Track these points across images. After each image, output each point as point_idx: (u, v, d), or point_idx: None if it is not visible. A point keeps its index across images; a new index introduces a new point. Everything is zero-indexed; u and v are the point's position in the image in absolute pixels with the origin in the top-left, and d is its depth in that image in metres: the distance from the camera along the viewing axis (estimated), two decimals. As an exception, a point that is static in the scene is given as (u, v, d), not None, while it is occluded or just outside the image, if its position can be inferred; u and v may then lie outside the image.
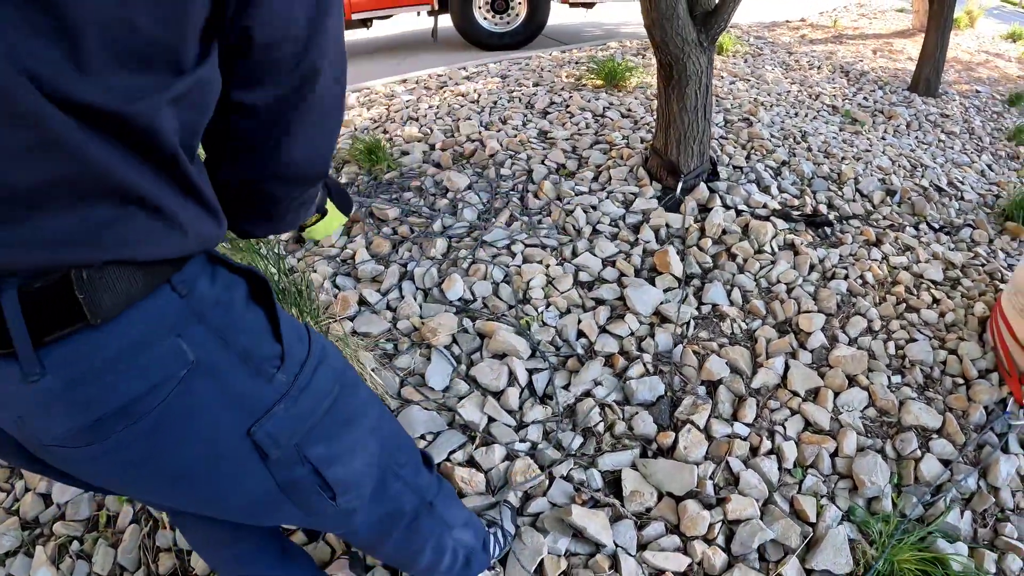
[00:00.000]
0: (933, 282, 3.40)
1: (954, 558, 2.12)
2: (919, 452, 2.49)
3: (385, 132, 4.31)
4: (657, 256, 3.12)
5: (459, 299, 2.84)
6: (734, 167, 3.95)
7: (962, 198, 4.41)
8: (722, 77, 5.84)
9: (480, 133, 4.16)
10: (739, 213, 3.50)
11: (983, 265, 3.64)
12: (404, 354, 2.58)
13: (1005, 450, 2.57)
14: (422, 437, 2.29)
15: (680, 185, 3.55)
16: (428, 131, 4.26)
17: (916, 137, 5.36)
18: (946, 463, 2.48)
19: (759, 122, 4.67)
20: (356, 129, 4.39)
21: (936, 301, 3.28)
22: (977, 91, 7.17)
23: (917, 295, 3.28)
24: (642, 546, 2.08)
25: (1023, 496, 2.46)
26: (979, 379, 2.84)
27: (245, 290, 0.87)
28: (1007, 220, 4.25)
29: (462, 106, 4.66)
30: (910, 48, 8.17)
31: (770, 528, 2.12)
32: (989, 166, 5.22)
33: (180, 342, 0.76)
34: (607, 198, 3.52)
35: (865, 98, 6.06)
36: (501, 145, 3.99)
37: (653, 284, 3.00)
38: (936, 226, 3.98)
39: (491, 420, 2.37)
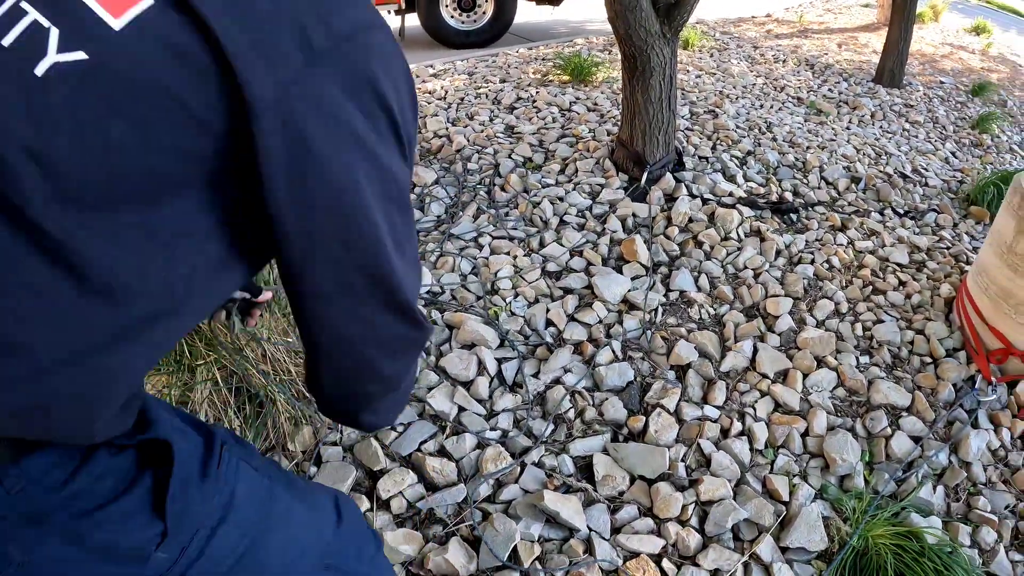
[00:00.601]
0: (899, 265, 3.45)
1: (928, 531, 2.15)
2: (889, 430, 2.52)
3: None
4: (624, 245, 3.13)
5: (427, 292, 2.83)
6: (700, 157, 3.98)
7: (926, 184, 4.48)
8: (688, 71, 5.89)
9: (447, 129, 4.16)
10: (705, 202, 3.53)
11: (948, 248, 3.70)
12: (373, 348, 2.57)
13: (975, 425, 2.61)
14: (393, 428, 2.28)
15: (646, 175, 3.57)
16: (395, 128, 4.25)
17: (881, 127, 5.44)
18: (916, 440, 2.52)
19: (724, 114, 4.72)
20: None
21: (902, 283, 3.32)
22: (941, 82, 7.29)
23: (883, 278, 3.32)
24: (616, 529, 2.09)
25: (995, 470, 2.50)
26: (947, 357, 2.88)
27: (129, 466, 0.78)
28: (971, 204, 4.32)
29: (429, 103, 4.66)
30: (875, 42, 8.28)
31: (743, 508, 2.14)
32: (953, 153, 5.31)
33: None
34: (574, 190, 3.54)
35: (830, 89, 6.14)
36: (468, 140, 3.99)
37: (620, 272, 3.01)
38: (901, 211, 4.03)
39: (461, 410, 2.36)
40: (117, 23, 0.60)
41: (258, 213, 0.69)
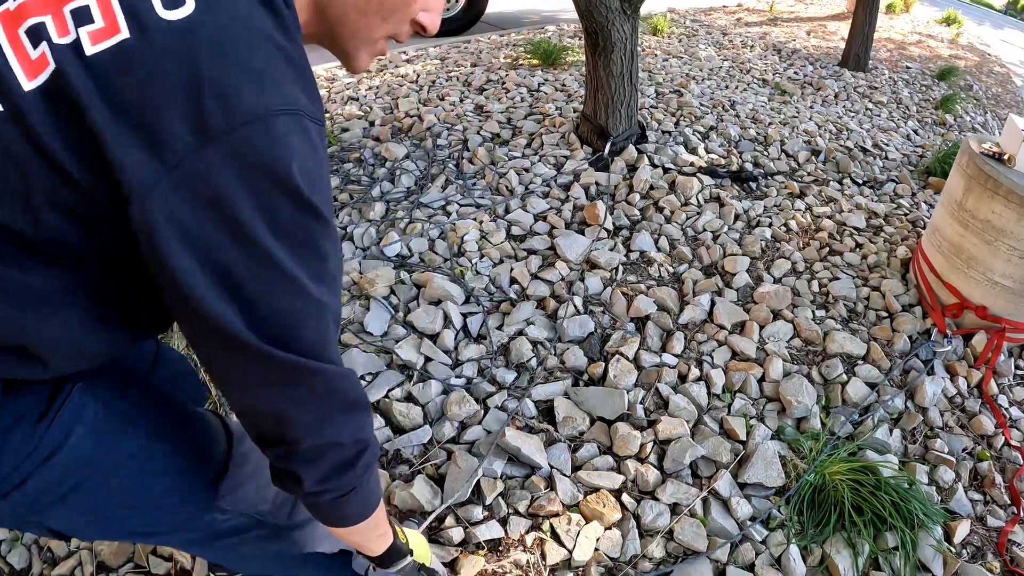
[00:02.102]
0: (856, 229, 3.56)
1: (884, 466, 2.24)
2: (845, 376, 2.63)
3: (326, 112, 4.37)
4: (587, 210, 3.23)
5: (396, 255, 2.92)
6: (663, 132, 4.10)
7: (886, 157, 4.61)
8: (656, 55, 6.01)
9: (418, 109, 4.25)
10: (666, 171, 3.64)
11: (906, 214, 3.82)
12: (344, 305, 2.65)
13: (931, 373, 2.70)
14: (362, 378, 2.36)
15: (609, 147, 3.67)
16: (368, 109, 4.33)
17: (844, 106, 5.57)
18: (872, 386, 2.62)
19: (689, 93, 4.83)
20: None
21: (859, 246, 3.43)
22: (907, 67, 7.44)
23: (840, 240, 3.43)
24: (577, 467, 2.18)
25: (951, 416, 2.61)
26: (903, 312, 2.99)
27: None
28: (930, 176, 4.44)
29: (401, 86, 4.75)
30: (843, 30, 8.43)
31: (701, 446, 2.23)
32: (915, 131, 5.45)
33: None
34: (539, 161, 3.64)
35: (796, 72, 6.27)
36: (438, 119, 4.09)
37: (583, 235, 3.10)
38: (860, 181, 4.15)
39: (428, 360, 2.45)
40: (29, 85, 0.68)
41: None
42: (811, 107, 5.30)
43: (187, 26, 0.69)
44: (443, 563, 1.89)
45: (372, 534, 1.20)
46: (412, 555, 1.39)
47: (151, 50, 0.67)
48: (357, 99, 4.57)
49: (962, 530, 2.20)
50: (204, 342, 0.80)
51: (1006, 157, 2.90)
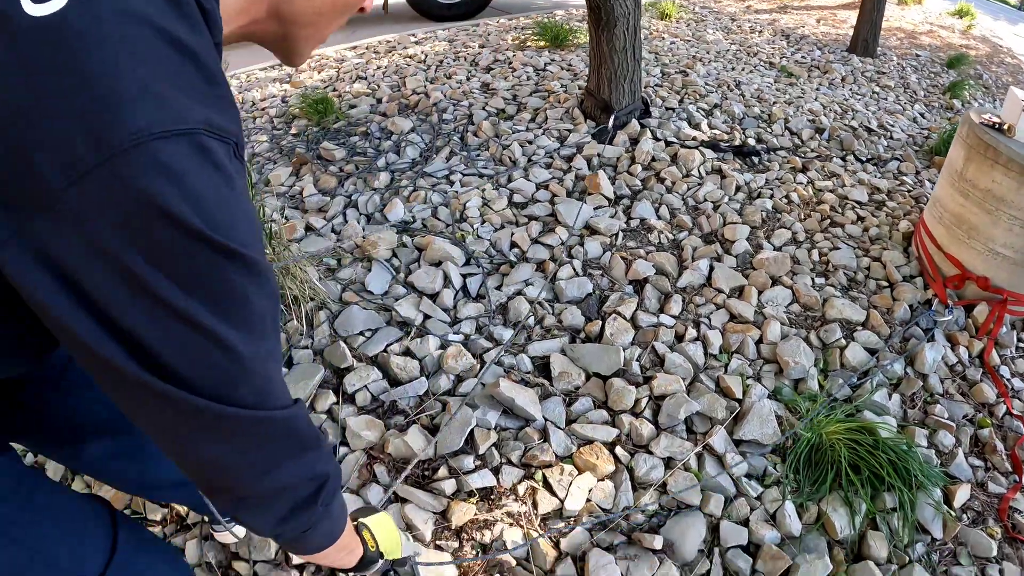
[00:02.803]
0: (858, 203, 3.56)
1: (882, 426, 2.25)
2: (843, 341, 2.63)
3: (335, 91, 4.41)
4: (589, 179, 3.25)
5: (399, 221, 2.95)
6: (666, 108, 4.11)
7: (891, 137, 4.60)
8: (663, 38, 6.01)
9: (425, 87, 4.28)
10: (668, 144, 3.65)
11: (910, 191, 3.81)
12: (347, 267, 2.68)
13: (931, 340, 2.71)
14: (361, 334, 2.39)
15: (612, 121, 3.69)
16: (376, 87, 4.37)
17: (850, 89, 5.56)
18: (872, 352, 2.62)
19: (695, 73, 4.84)
20: (307, 88, 4.48)
21: (860, 219, 3.44)
22: (917, 55, 7.40)
23: (842, 213, 3.44)
24: (571, 420, 2.20)
25: (952, 383, 2.61)
26: (903, 282, 2.99)
27: None
28: (935, 155, 4.43)
29: (408, 65, 4.79)
30: (854, 18, 8.37)
31: (696, 402, 2.25)
32: (921, 114, 5.43)
33: None
34: (542, 134, 3.67)
35: (803, 56, 6.26)
36: (444, 95, 4.12)
37: (584, 202, 3.12)
38: (863, 158, 4.15)
39: (427, 317, 2.48)
40: None
41: None
42: (817, 89, 5.29)
43: (54, 22, 0.56)
44: (434, 512, 1.92)
45: (339, 554, 1.16)
46: (382, 558, 1.37)
47: (17, 59, 0.55)
48: (365, 78, 4.61)
49: (962, 494, 2.20)
50: (123, 395, 0.69)
51: (1006, 127, 2.90)
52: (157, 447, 0.77)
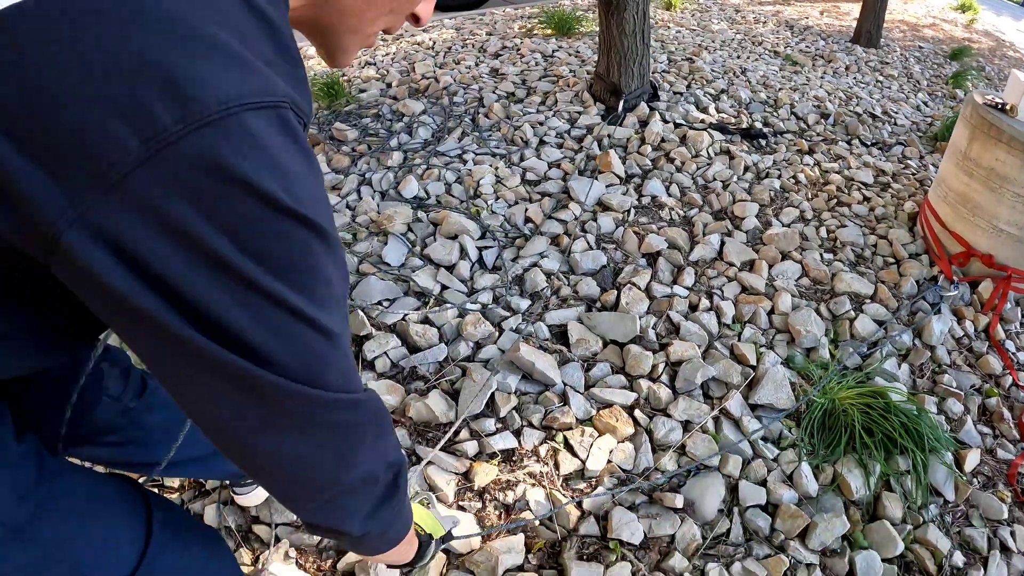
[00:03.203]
0: (864, 184, 3.61)
1: (893, 390, 2.29)
2: (853, 313, 2.68)
3: (344, 76, 4.44)
4: (600, 158, 3.29)
5: (414, 197, 2.98)
6: (674, 92, 4.16)
7: (895, 123, 4.64)
8: (668, 27, 6.06)
9: (434, 72, 4.31)
10: (677, 126, 3.69)
11: (914, 174, 3.86)
12: (363, 241, 2.71)
13: (938, 313, 2.75)
14: (379, 303, 2.42)
15: (622, 103, 3.73)
16: (385, 72, 4.40)
17: (854, 78, 5.60)
18: (880, 323, 2.66)
19: (701, 60, 4.88)
20: (315, 74, 4.51)
21: (866, 199, 3.48)
22: (920, 47, 7.45)
23: (848, 193, 3.48)
24: (590, 385, 2.24)
25: (959, 355, 2.65)
26: (910, 259, 3.03)
27: None
28: (938, 141, 4.47)
29: (417, 52, 4.82)
30: (856, 11, 8.42)
31: (712, 367, 2.28)
32: (925, 103, 5.47)
33: None
34: (553, 116, 3.70)
35: (807, 46, 6.32)
36: (454, 80, 4.15)
37: (595, 180, 3.16)
38: (868, 143, 4.19)
39: (444, 287, 2.51)
40: None
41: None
42: (822, 77, 5.33)
43: None
44: (456, 473, 1.95)
45: (406, 546, 1.09)
46: (431, 540, 1.33)
47: (61, 16, 0.49)
48: (374, 64, 4.64)
49: (972, 459, 2.24)
50: (201, 386, 0.63)
51: (1008, 107, 2.94)
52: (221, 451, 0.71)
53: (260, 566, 1.75)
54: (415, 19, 0.83)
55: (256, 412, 0.65)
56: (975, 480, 2.23)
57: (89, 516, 0.88)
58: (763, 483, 2.03)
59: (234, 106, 0.51)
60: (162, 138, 0.49)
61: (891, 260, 3.04)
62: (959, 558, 1.98)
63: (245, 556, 1.77)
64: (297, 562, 1.76)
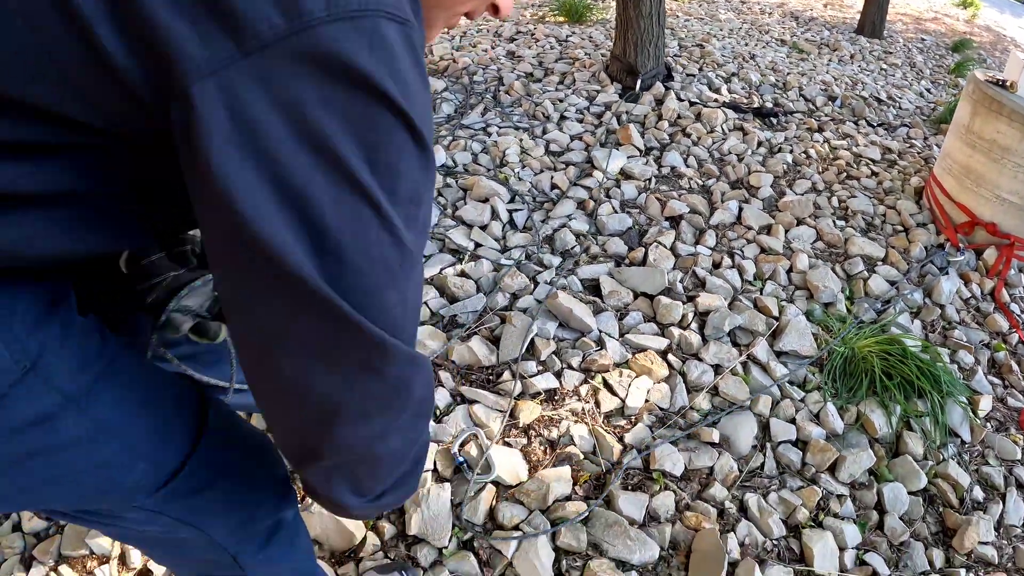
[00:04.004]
0: (872, 160, 3.72)
1: (908, 337, 2.40)
2: (866, 273, 2.78)
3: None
4: (620, 131, 3.40)
5: (442, 165, 3.08)
6: (687, 75, 4.28)
7: (900, 107, 4.77)
8: (677, 16, 6.20)
9: (452, 54, 4.42)
10: (692, 104, 3.81)
11: (919, 153, 3.97)
12: (395, 206, 2.80)
13: (946, 274, 2.86)
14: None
15: (639, 83, 3.84)
16: (402, 56, 4.50)
17: (859, 66, 5.73)
18: (892, 283, 2.77)
19: (711, 46, 5.00)
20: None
21: (875, 174, 3.60)
22: (923, 39, 7.62)
23: (857, 168, 3.60)
24: (623, 332, 2.34)
25: (967, 314, 2.75)
26: (917, 228, 3.14)
27: None
28: (941, 124, 4.59)
29: (433, 36, 4.93)
30: (860, 3, 8.58)
31: (739, 316, 2.39)
32: (928, 89, 5.60)
33: None
34: (572, 94, 3.81)
35: (813, 35, 6.47)
36: (472, 61, 4.26)
37: (616, 150, 3.27)
38: (875, 123, 4.31)
39: (478, 245, 2.61)
40: None
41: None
42: (828, 64, 5.46)
43: None
44: (501, 411, 2.04)
45: None
46: None
47: None
48: (390, 48, 4.74)
49: (985, 404, 2.35)
50: (253, 287, 0.60)
51: (1009, 83, 3.08)
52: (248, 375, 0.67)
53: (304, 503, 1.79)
54: (495, 9, 0.83)
55: (298, 327, 0.60)
56: (988, 424, 2.33)
57: (146, 402, 0.84)
58: (792, 421, 2.13)
59: (374, 9, 0.54)
60: (305, 20, 0.51)
61: (900, 228, 3.15)
62: (979, 493, 2.08)
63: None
64: None
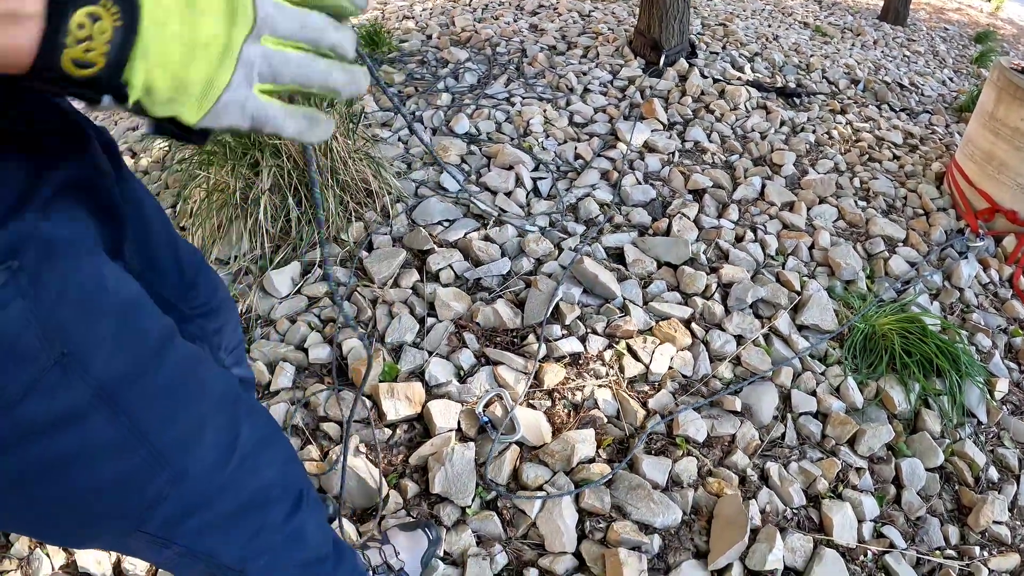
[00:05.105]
0: (894, 144, 3.71)
1: (928, 315, 2.40)
2: (887, 253, 2.78)
3: (383, 27, 4.52)
4: (644, 106, 3.39)
5: (465, 133, 3.08)
6: (711, 52, 4.26)
7: (922, 94, 4.74)
8: (698, -3, 6.16)
9: (474, 25, 4.40)
10: (716, 81, 3.79)
11: (941, 139, 3.95)
12: (418, 170, 2.81)
13: (965, 258, 2.86)
14: (439, 223, 2.52)
15: (663, 58, 3.82)
16: (425, 25, 4.49)
17: (882, 52, 5.69)
18: (912, 264, 2.77)
19: (734, 25, 4.97)
20: (354, 26, 4.59)
21: (896, 157, 3.58)
22: (946, 28, 7.56)
23: (879, 151, 3.58)
24: (647, 300, 2.35)
25: (985, 298, 2.75)
26: (938, 212, 3.14)
27: None
28: (963, 112, 4.57)
29: (455, 7, 4.90)
30: (883, -8, 8.60)
31: (761, 288, 2.39)
32: (950, 78, 5.57)
33: None
34: (596, 67, 3.80)
35: (836, 19, 6.43)
36: (495, 34, 4.24)
37: (640, 123, 3.27)
38: (897, 108, 4.29)
39: (502, 211, 2.61)
40: None
41: None
42: (851, 48, 5.44)
43: None
44: (524, 373, 2.05)
45: None
46: None
47: None
48: (412, 17, 4.72)
49: (1002, 386, 2.35)
50: None
51: (1034, 71, 3.07)
52: None
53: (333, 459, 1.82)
54: None
55: None
56: (1005, 407, 2.33)
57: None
58: (812, 393, 2.14)
59: None
60: None
61: (920, 212, 3.15)
62: (994, 473, 2.09)
63: (314, 452, 1.86)
64: (367, 457, 1.84)
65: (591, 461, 1.85)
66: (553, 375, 2.04)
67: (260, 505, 0.90)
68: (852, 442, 2.04)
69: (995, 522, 1.95)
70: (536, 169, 2.87)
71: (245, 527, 0.89)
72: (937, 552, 1.85)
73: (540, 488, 1.78)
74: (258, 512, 0.90)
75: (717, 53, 4.24)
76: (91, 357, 0.61)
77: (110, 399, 0.63)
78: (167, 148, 3.21)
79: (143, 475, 0.70)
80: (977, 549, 1.88)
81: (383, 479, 1.78)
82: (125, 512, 0.72)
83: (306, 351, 2.09)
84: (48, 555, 1.66)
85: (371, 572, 1.51)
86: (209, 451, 0.78)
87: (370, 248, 2.44)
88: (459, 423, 1.91)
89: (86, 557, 1.64)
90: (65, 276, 0.59)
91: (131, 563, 1.61)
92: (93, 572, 1.62)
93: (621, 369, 2.10)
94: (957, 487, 2.04)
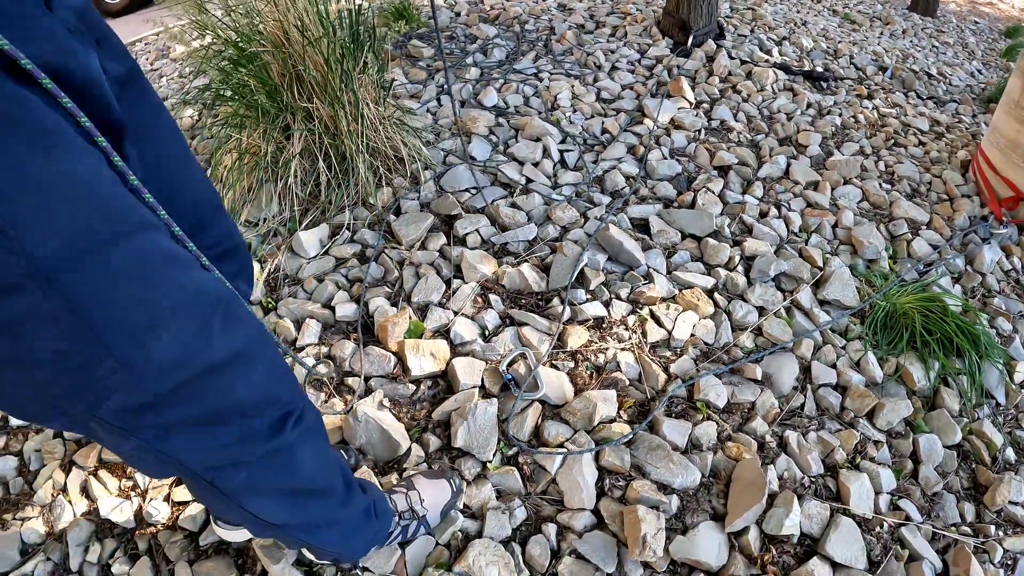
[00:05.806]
0: (920, 130, 3.70)
1: (949, 295, 2.41)
2: (910, 235, 2.78)
3: (411, 3, 4.54)
4: (671, 84, 3.40)
5: (493, 106, 3.10)
6: (739, 35, 4.25)
7: (950, 84, 4.71)
8: (726, -18, 6.13)
9: (503, 3, 4.41)
10: (743, 63, 3.79)
11: (967, 128, 3.94)
12: (447, 140, 2.83)
13: (988, 243, 2.86)
14: (467, 191, 2.55)
15: (691, 39, 3.82)
16: (454, 2, 4.50)
17: (911, 41, 5.67)
18: (935, 247, 2.77)
19: (763, 10, 4.96)
20: (381, 2, 4.61)
21: (922, 143, 3.57)
22: (976, 21, 7.51)
23: (905, 136, 3.57)
24: (671, 270, 2.37)
25: (1007, 285, 2.75)
26: (962, 198, 3.13)
27: None
28: (990, 103, 4.54)
29: (482, -14, 4.92)
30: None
31: (784, 262, 2.41)
32: (979, 70, 5.53)
33: None
34: (624, 46, 3.81)
35: (865, 8, 6.39)
36: (523, 12, 4.25)
37: (667, 100, 3.28)
38: (924, 96, 4.27)
39: (529, 181, 2.63)
40: None
41: None
42: (879, 36, 5.41)
43: None
44: (548, 334, 2.08)
45: None
46: None
47: None
48: (439, -4, 4.74)
49: (1021, 369, 2.35)
50: None
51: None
52: None
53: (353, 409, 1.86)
54: None
55: None
56: (1023, 392, 2.34)
57: None
58: (833, 366, 2.16)
59: None
60: None
61: (944, 197, 3.14)
62: (1011, 454, 2.10)
63: (338, 404, 1.91)
64: (391, 411, 1.89)
65: (612, 421, 1.88)
66: (577, 337, 2.07)
67: (229, 418, 0.90)
68: (871, 415, 2.06)
69: (1011, 502, 1.96)
70: (563, 141, 2.90)
71: (211, 438, 0.89)
72: (953, 528, 1.86)
73: (561, 445, 1.81)
74: (226, 426, 0.90)
75: (745, 36, 4.24)
76: (26, 233, 0.61)
77: (46, 277, 0.63)
78: (196, 117, 3.26)
79: (84, 357, 0.70)
80: (993, 528, 1.89)
81: (406, 432, 1.81)
82: (73, 393, 0.73)
83: (333, 309, 2.13)
84: (71, 502, 1.71)
85: (397, 516, 1.54)
86: (167, 350, 0.76)
87: (398, 212, 2.48)
88: (483, 380, 1.95)
89: (107, 503, 1.68)
90: (5, 149, 0.60)
91: (154, 508, 1.66)
92: (115, 519, 1.66)
93: (644, 334, 2.12)
94: (974, 465, 2.05)
